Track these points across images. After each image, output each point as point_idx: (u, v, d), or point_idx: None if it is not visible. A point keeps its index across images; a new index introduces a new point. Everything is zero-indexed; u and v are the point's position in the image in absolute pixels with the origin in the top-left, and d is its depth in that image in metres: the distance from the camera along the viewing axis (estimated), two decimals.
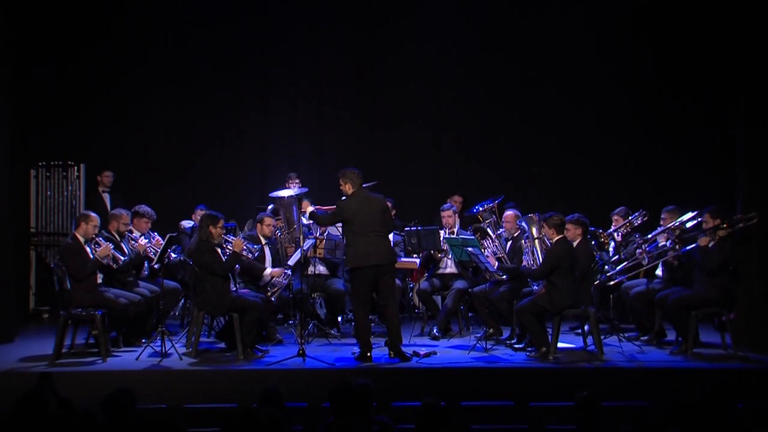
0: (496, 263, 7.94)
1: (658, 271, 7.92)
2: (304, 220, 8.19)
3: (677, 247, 7.55)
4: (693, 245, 7.42)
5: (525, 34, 10.55)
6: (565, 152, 10.56)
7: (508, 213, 8.30)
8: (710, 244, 7.29)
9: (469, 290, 8.33)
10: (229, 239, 7.65)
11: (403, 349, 7.23)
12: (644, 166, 10.40)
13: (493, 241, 8.15)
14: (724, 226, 7.27)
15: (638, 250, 7.85)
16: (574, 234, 7.39)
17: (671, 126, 10.33)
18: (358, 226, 7.18)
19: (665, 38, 10.14)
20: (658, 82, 10.32)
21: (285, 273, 8.00)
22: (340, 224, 7.57)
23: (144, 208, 8.21)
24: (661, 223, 8.00)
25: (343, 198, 7.35)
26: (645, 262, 7.85)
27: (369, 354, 7.13)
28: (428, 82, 10.72)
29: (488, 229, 8.25)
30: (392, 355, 7.15)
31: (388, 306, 7.21)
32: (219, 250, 7.42)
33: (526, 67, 10.58)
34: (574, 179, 10.47)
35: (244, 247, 7.60)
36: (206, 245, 7.35)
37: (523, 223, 7.82)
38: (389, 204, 7.75)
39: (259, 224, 8.26)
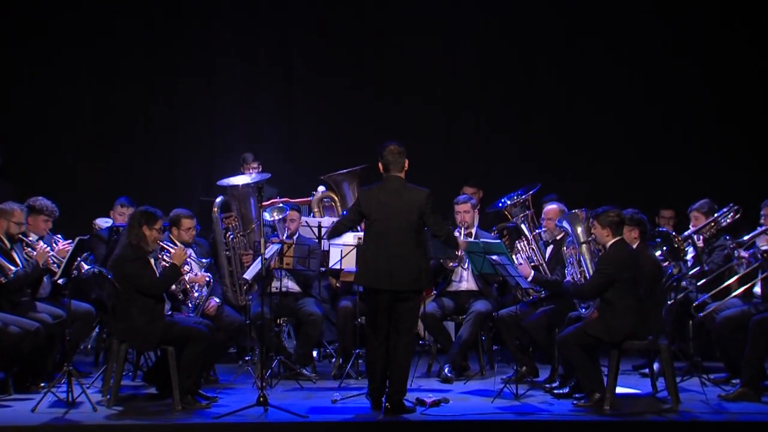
0: (531, 273, 7.90)
1: (756, 288, 7.85)
2: (267, 217, 8.14)
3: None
4: None
5: None
6: (620, 130, 10.64)
7: (551, 207, 8.25)
8: None
9: (494, 314, 8.32)
10: (168, 247, 7.60)
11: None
12: (729, 147, 10.47)
13: (529, 244, 8.12)
14: None
15: (732, 259, 7.85)
16: (628, 238, 7.35)
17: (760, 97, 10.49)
18: (375, 227, 7.03)
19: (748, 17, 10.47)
20: (741, 52, 10.55)
21: (207, 279, 7.91)
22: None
23: (41, 201, 8.15)
24: (762, 221, 7.93)
25: (366, 186, 7.29)
26: (741, 271, 7.79)
27: (377, 398, 7.04)
28: (439, 36, 10.77)
29: (523, 226, 8.22)
30: (386, 408, 6.96)
31: (395, 340, 7.04)
32: (152, 261, 7.37)
33: (573, 19, 10.68)
34: (633, 164, 10.56)
35: (188, 259, 7.55)
36: (135, 252, 7.26)
37: (565, 223, 7.75)
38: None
39: (174, 228, 8.01)
